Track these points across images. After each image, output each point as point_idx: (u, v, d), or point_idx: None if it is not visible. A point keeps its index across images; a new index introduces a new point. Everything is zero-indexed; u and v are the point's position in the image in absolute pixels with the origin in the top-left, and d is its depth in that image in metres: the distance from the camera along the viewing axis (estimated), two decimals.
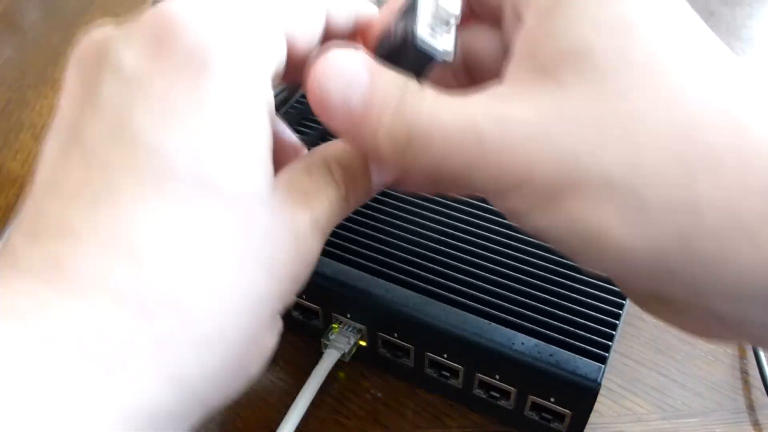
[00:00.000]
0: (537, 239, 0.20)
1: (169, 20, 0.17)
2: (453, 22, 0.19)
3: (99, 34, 0.18)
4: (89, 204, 0.16)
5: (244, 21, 0.18)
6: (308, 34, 0.20)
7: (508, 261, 0.31)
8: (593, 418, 0.30)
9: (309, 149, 0.22)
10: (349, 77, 0.18)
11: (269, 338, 0.19)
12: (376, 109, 0.18)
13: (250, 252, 0.17)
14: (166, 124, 0.16)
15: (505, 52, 0.20)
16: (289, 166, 0.20)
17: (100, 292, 0.15)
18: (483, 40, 0.22)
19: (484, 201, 0.34)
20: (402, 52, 0.19)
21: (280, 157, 0.20)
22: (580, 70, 0.16)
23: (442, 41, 0.19)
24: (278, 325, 0.20)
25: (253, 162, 0.17)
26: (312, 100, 0.18)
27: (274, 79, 0.19)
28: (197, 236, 0.16)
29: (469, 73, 0.22)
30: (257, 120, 0.18)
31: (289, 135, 0.22)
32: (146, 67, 0.17)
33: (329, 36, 0.21)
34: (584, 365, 0.27)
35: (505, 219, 0.33)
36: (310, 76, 0.18)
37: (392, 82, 0.18)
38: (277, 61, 0.19)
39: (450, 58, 0.19)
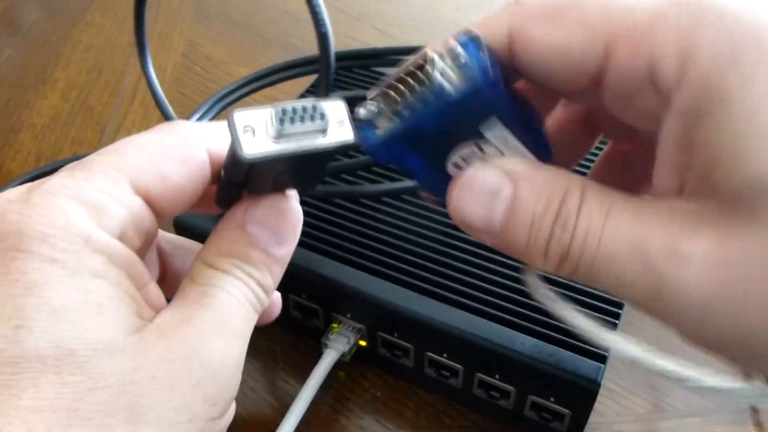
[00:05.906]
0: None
1: None
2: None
3: None
4: None
5: (64, 197, 0.18)
6: (170, 182, 0.20)
7: (508, 261, 0.31)
8: (593, 417, 0.29)
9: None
10: (486, 196, 0.17)
11: None
12: (522, 227, 0.17)
13: (101, 410, 0.17)
14: None
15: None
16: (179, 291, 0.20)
17: None
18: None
19: None
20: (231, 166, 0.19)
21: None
22: None
23: (255, 144, 0.17)
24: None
25: (81, 323, 0.17)
26: (455, 221, 0.18)
27: (143, 228, 0.19)
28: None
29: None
30: (82, 284, 0.17)
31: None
32: None
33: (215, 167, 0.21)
34: (584, 365, 0.27)
35: None
36: (448, 201, 0.18)
37: (544, 188, 0.17)
38: (117, 220, 0.18)
39: (244, 160, 0.17)
